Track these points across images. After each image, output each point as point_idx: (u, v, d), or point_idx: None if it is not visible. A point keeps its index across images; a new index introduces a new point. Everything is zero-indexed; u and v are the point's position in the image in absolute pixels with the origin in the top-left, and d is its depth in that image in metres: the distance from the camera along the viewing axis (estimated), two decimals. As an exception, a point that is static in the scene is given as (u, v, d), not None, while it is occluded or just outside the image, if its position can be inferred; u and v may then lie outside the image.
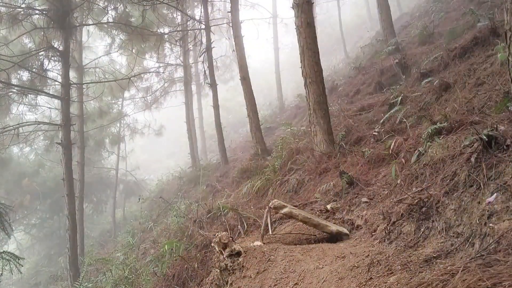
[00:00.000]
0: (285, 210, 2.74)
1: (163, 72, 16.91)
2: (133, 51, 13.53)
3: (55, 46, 9.54)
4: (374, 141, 4.93)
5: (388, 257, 1.86)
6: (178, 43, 14.78)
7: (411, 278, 1.56)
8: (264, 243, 2.54)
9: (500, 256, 1.45)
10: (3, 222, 4.83)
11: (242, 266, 2.29)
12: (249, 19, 16.10)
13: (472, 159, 2.15)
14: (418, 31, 9.46)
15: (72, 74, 11.65)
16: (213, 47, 11.77)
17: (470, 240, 1.72)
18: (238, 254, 2.38)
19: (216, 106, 11.21)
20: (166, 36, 14.11)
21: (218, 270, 2.48)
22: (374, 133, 5.09)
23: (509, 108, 2.89)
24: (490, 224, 1.69)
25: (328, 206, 3.81)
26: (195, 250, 4.73)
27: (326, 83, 6.34)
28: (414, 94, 5.79)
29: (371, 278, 1.69)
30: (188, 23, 14.64)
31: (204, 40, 11.71)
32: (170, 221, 7.78)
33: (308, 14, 5.34)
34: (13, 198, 14.63)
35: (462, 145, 2.55)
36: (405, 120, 4.72)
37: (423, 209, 2.14)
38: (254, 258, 2.30)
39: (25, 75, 10.82)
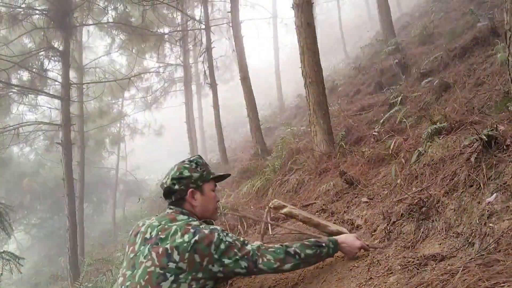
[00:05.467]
0: (285, 210, 2.74)
1: (163, 72, 16.93)
2: (133, 51, 13.56)
3: (55, 46, 9.55)
4: (374, 141, 4.92)
5: (388, 257, 1.86)
6: (178, 43, 14.79)
7: (411, 278, 1.56)
8: (264, 243, 2.54)
9: (500, 256, 1.45)
10: (3, 222, 4.83)
11: (242, 266, 2.28)
12: (249, 19, 16.10)
13: (472, 159, 2.15)
14: (418, 31, 9.45)
15: (72, 74, 11.66)
16: (213, 47, 11.76)
17: (470, 240, 1.71)
18: (238, 254, 2.37)
19: (216, 106, 11.21)
20: (166, 36, 14.12)
21: (218, 270, 2.48)
22: (374, 133, 5.08)
23: (509, 108, 2.89)
24: (490, 224, 1.68)
25: (328, 206, 3.80)
26: (195, 250, 4.72)
27: (326, 83, 6.33)
28: (414, 94, 5.79)
29: (371, 278, 1.69)
30: (188, 23, 14.64)
31: (204, 40, 11.70)
32: (170, 221, 7.75)
33: (308, 14, 5.33)
34: (13, 198, 14.63)
35: (462, 145, 2.55)
36: (405, 120, 4.71)
37: (423, 209, 2.13)
38: (254, 258, 2.29)
39: (25, 75, 10.84)
